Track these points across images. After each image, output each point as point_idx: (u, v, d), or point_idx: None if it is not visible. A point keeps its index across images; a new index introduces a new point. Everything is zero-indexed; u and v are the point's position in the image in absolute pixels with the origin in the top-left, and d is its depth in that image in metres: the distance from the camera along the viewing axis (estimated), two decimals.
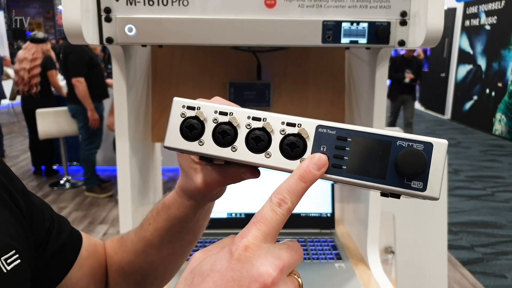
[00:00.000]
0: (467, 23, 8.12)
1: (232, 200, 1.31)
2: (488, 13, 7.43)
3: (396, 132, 0.38)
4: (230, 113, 0.42)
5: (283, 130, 0.41)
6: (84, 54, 3.77)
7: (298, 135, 0.40)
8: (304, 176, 0.38)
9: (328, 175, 0.39)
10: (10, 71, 7.22)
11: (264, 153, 0.41)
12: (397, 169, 0.37)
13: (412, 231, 1.70)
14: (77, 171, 4.89)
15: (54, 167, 4.97)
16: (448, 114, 8.92)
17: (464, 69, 8.24)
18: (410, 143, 0.37)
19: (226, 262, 0.34)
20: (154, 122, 1.32)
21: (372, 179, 0.38)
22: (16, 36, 9.68)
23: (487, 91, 7.44)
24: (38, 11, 12.17)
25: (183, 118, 0.43)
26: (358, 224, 1.24)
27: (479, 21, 7.71)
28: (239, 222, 1.30)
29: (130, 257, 0.64)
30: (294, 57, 1.32)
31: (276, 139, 0.41)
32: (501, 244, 3.41)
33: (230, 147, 0.42)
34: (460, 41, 8.37)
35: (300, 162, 0.40)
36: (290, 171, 0.40)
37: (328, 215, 1.33)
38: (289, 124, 0.41)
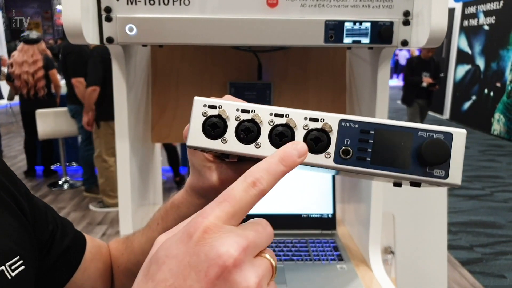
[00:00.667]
0: (465, 23, 8.13)
1: None
2: (487, 13, 7.44)
3: (416, 123, 0.40)
4: (252, 111, 0.42)
5: (306, 125, 0.41)
6: (84, 54, 3.74)
7: (321, 130, 0.41)
8: (284, 159, 0.36)
9: (353, 167, 0.40)
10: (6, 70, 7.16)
11: None
12: (420, 159, 0.39)
13: (412, 231, 1.70)
14: (76, 172, 4.87)
15: (52, 167, 4.95)
16: (446, 114, 8.93)
17: (463, 69, 8.25)
18: (431, 134, 0.39)
19: (183, 246, 0.30)
20: (154, 122, 1.31)
21: (396, 169, 0.40)
22: (15, 36, 9.66)
23: (486, 91, 7.45)
24: (37, 11, 12.14)
25: (205, 117, 0.43)
26: (359, 225, 1.24)
27: (478, 21, 7.72)
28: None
29: (138, 258, 0.63)
30: (295, 57, 1.31)
31: (300, 134, 0.41)
32: (500, 244, 3.41)
33: (253, 144, 0.42)
34: (458, 41, 8.38)
35: (325, 156, 0.41)
36: (315, 165, 0.41)
37: (329, 215, 1.32)
38: (312, 119, 0.41)
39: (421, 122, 5.70)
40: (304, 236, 1.29)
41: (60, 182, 4.57)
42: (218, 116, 0.42)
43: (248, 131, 0.42)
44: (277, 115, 0.42)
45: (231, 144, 0.42)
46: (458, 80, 8.45)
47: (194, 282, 0.29)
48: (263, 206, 1.32)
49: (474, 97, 7.85)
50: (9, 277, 0.44)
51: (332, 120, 0.41)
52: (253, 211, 1.19)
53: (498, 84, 7.07)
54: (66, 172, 4.60)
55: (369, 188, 1.11)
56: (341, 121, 0.41)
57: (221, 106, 0.43)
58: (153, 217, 0.61)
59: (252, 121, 0.42)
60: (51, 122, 4.11)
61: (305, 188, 1.32)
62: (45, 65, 4.18)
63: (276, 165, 0.35)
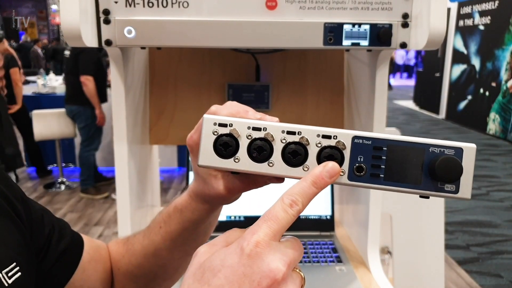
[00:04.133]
0: (461, 23, 8.16)
1: (232, 203, 1.30)
2: (482, 13, 7.46)
3: (427, 139, 0.40)
4: (264, 128, 0.42)
5: (319, 143, 0.41)
6: (94, 54, 3.75)
7: (335, 147, 0.41)
8: (316, 182, 0.39)
9: (367, 184, 0.41)
10: None
11: (302, 167, 0.42)
12: (433, 175, 0.39)
13: (409, 231, 1.70)
14: (72, 173, 4.85)
15: (48, 167, 4.92)
16: (442, 114, 8.96)
17: (458, 69, 8.27)
18: (442, 149, 0.40)
19: (237, 257, 0.34)
20: (152, 124, 1.31)
21: (408, 185, 0.40)
22: (9, 36, 9.61)
23: (481, 90, 7.48)
24: (31, 11, 12.08)
25: (215, 136, 0.42)
26: (358, 226, 1.24)
27: (473, 21, 7.74)
28: (238, 225, 1.28)
29: (139, 260, 0.63)
30: (293, 59, 1.31)
31: (313, 151, 0.42)
32: (496, 244, 3.43)
33: (266, 163, 0.42)
34: (454, 41, 8.40)
35: (341, 174, 0.41)
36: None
37: (328, 217, 1.33)
38: (324, 137, 0.41)
39: None
40: (302, 238, 1.29)
41: (56, 183, 4.54)
42: (230, 135, 0.42)
43: (260, 150, 0.42)
44: (289, 132, 0.42)
45: (243, 163, 0.42)
46: (453, 80, 8.48)
47: None
48: (261, 208, 1.32)
49: (469, 97, 7.88)
50: (6, 285, 0.44)
51: (345, 137, 0.41)
52: (253, 212, 1.18)
53: (494, 84, 7.10)
54: (63, 173, 4.57)
55: (368, 190, 1.11)
56: (354, 137, 0.41)
57: (231, 124, 0.42)
58: (154, 220, 0.61)
59: (264, 139, 0.42)
60: (47, 123, 4.08)
61: None
62: (5, 64, 4.03)
63: (308, 188, 0.39)
